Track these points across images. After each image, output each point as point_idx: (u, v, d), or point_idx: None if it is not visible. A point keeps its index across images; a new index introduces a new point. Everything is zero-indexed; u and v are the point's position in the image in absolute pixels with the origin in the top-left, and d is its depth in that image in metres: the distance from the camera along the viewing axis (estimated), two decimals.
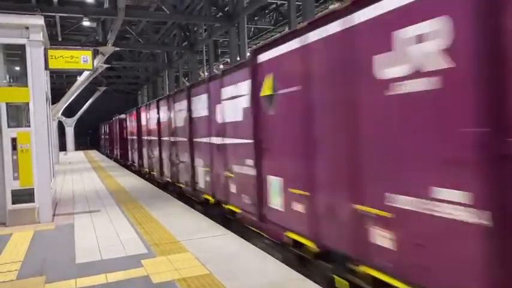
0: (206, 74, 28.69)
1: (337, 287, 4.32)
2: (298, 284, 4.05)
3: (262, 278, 4.21)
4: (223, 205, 7.44)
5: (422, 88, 2.97)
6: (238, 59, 16.40)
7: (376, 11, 3.38)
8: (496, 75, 2.50)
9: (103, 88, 34.00)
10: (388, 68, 3.28)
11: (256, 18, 22.41)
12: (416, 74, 3.00)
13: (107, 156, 28.86)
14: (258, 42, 26.79)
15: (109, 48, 17.55)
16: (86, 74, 19.42)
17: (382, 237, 3.42)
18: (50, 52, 7.98)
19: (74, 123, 36.72)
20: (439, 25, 2.81)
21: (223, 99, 7.21)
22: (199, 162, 8.73)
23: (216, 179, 7.67)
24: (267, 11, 21.98)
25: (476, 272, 2.65)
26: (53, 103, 16.09)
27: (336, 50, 3.96)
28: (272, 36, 25.15)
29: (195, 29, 20.95)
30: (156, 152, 13.03)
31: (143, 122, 15.61)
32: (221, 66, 34.60)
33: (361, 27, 3.57)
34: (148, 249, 5.42)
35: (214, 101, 7.65)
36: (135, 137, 17.38)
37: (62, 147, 32.41)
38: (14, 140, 7.12)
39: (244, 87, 6.26)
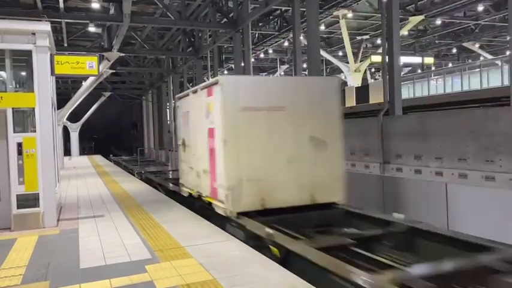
0: (211, 79, 28.81)
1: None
2: None
3: (266, 285, 4.19)
4: None
5: None
6: (242, 64, 16.45)
7: None
8: None
9: (108, 93, 34.18)
10: None
11: (260, 24, 22.48)
12: None
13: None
14: (263, 48, 26.90)
15: (114, 54, 17.67)
16: (91, 79, 19.60)
17: None
18: (56, 58, 8.02)
19: (78, 128, 36.90)
20: None
21: None
22: None
23: None
24: (271, 17, 22.05)
25: None
26: (58, 108, 16.18)
27: None
28: (276, 42, 25.25)
29: (200, 35, 21.05)
30: None
31: None
32: (225, 72, 34.76)
33: None
34: (152, 255, 5.42)
35: None
36: None
37: (67, 152, 32.56)
38: (19, 145, 7.15)
39: None
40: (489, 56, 28.53)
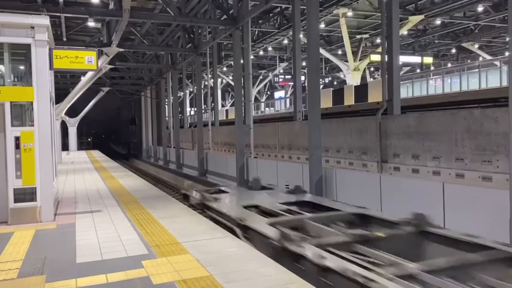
0: (210, 76, 28.76)
1: None
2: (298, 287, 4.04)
3: (263, 281, 4.20)
4: None
5: None
6: (241, 61, 16.43)
7: None
8: None
9: (106, 89, 34.10)
10: None
11: (260, 21, 22.46)
12: None
13: None
14: (262, 46, 26.87)
15: (113, 49, 17.62)
16: (89, 74, 19.54)
17: None
18: (55, 52, 7.99)
19: (77, 123, 36.84)
20: None
21: None
22: None
23: None
24: (271, 15, 22.03)
25: None
26: (56, 103, 16.14)
27: None
28: (276, 39, 25.23)
29: (199, 31, 21.00)
30: None
31: None
32: (224, 69, 34.71)
33: None
34: (149, 250, 5.43)
35: None
36: None
37: (65, 147, 32.49)
38: (17, 139, 7.14)
39: None
40: (488, 57, 28.57)
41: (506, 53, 22.73)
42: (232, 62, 24.51)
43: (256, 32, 24.14)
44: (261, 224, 5.77)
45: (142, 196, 10.14)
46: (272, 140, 17.03)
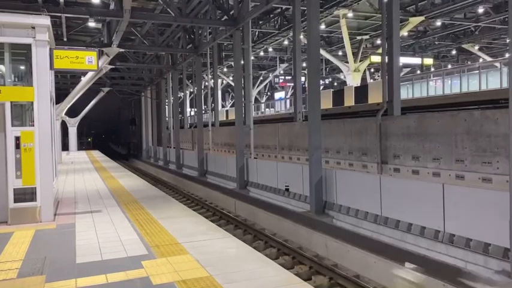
0: (210, 76, 28.77)
1: None
2: None
3: (262, 282, 4.21)
4: None
5: None
6: (242, 62, 16.43)
7: None
8: None
9: (107, 89, 34.11)
10: None
11: (261, 22, 22.47)
12: None
13: None
14: (262, 46, 26.89)
15: (114, 49, 17.63)
16: (90, 74, 19.55)
17: None
18: (55, 52, 8.00)
19: (77, 123, 36.85)
20: None
21: None
22: None
23: None
24: (271, 15, 22.04)
25: None
26: (57, 103, 16.14)
27: None
28: (277, 40, 25.23)
29: (200, 31, 21.00)
30: None
31: None
32: (225, 70, 34.73)
33: None
34: (149, 251, 5.43)
35: None
36: None
37: (65, 147, 32.50)
38: (17, 139, 7.15)
39: None
40: (488, 58, 28.58)
41: (507, 55, 22.74)
42: (232, 63, 24.53)
43: (257, 33, 24.14)
44: None
45: (142, 196, 10.14)
46: (272, 141, 17.02)
